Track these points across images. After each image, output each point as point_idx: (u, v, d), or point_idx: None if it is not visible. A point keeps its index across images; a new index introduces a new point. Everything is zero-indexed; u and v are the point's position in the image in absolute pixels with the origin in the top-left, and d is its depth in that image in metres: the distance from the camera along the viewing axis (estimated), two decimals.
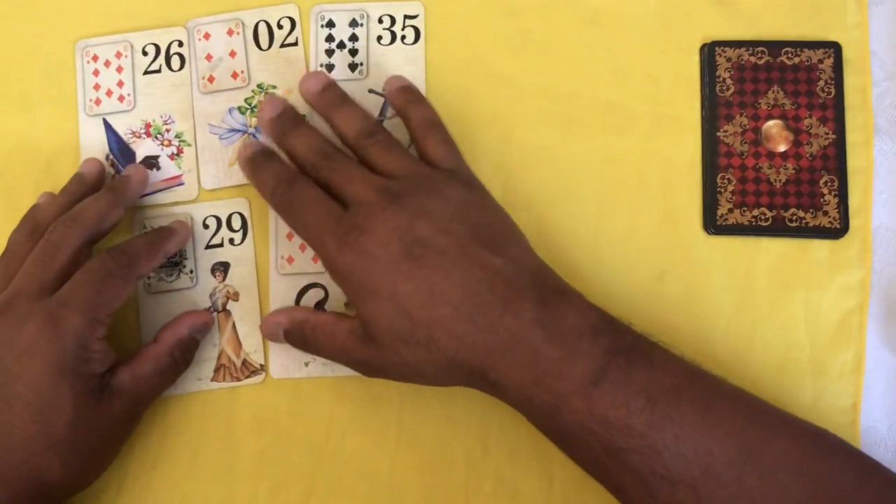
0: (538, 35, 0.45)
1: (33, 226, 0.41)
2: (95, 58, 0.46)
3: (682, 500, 0.33)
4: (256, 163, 0.41)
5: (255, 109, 0.45)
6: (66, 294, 0.37)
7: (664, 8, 0.44)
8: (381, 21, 0.45)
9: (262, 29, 0.46)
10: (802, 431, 0.35)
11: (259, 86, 0.45)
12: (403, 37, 0.45)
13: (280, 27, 0.46)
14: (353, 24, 0.45)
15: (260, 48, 0.45)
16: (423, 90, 0.44)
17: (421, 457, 0.41)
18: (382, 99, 0.44)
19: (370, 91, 0.45)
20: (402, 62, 0.45)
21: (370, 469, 0.42)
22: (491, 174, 0.43)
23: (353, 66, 0.45)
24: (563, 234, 0.43)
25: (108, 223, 0.41)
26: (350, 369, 0.39)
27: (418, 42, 0.45)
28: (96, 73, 0.46)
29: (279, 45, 0.45)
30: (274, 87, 0.45)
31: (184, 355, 0.41)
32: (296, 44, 0.45)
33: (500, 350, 0.35)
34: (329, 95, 0.42)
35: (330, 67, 0.45)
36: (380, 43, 0.45)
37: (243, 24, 0.46)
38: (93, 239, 0.40)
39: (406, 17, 0.45)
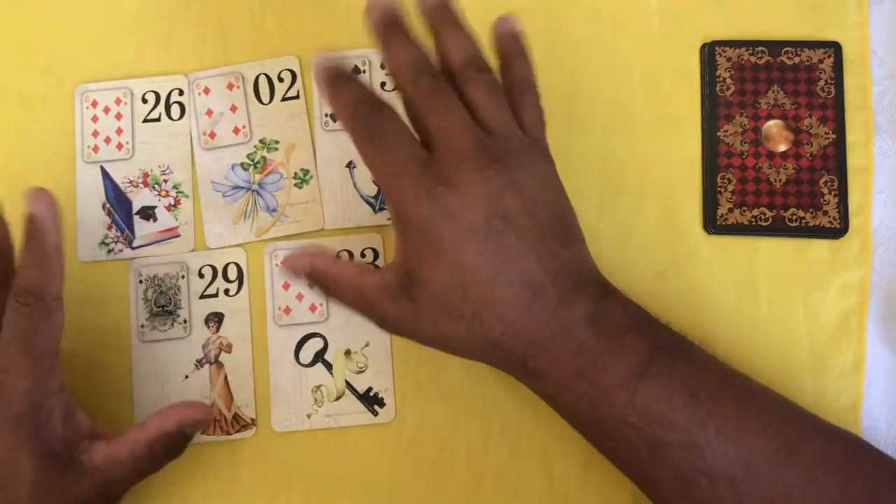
0: (539, 34, 0.44)
1: None
2: (95, 103, 0.45)
3: (720, 496, 0.33)
4: (338, 79, 0.36)
5: (258, 165, 0.44)
6: (2, 360, 0.35)
7: (665, 7, 0.44)
8: (383, 67, 0.45)
9: (263, 82, 0.45)
10: (834, 431, 0.35)
11: (261, 141, 0.45)
12: None
13: (281, 80, 0.45)
14: (356, 71, 0.45)
15: (261, 102, 0.45)
16: None
17: (421, 456, 0.41)
18: None
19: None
20: None
21: (371, 468, 0.42)
22: None
23: None
24: None
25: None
26: (353, 420, 0.39)
27: None
28: (95, 119, 0.45)
29: (280, 98, 0.45)
30: (276, 141, 0.45)
31: (165, 449, 0.37)
32: (297, 97, 0.45)
33: (547, 340, 0.34)
34: (445, 13, 0.38)
35: (335, 117, 0.44)
36: (384, 89, 0.45)
37: (243, 77, 0.45)
38: (3, 275, 0.38)
39: None
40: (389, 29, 0.37)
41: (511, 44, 0.39)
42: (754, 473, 0.32)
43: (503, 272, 0.34)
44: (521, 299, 0.34)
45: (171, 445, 0.38)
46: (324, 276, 0.37)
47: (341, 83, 0.36)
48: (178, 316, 0.43)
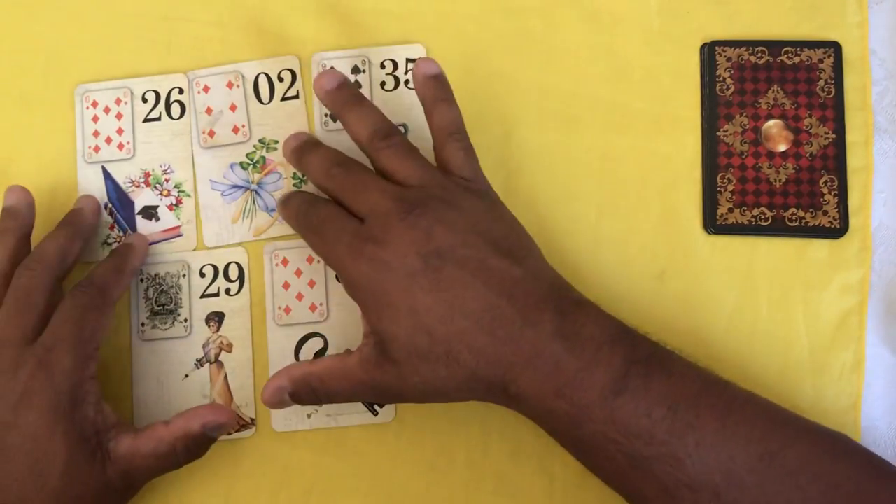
0: (539, 35, 0.45)
1: None
2: (95, 103, 0.45)
3: None
4: (286, 196, 0.41)
5: (257, 165, 0.44)
6: (51, 337, 0.37)
7: (665, 7, 0.44)
8: (383, 66, 0.45)
9: (263, 82, 0.45)
10: (820, 435, 0.35)
11: (261, 140, 0.45)
12: (407, 81, 0.45)
13: (280, 80, 0.45)
14: (356, 70, 0.45)
15: (261, 101, 0.45)
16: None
17: (421, 456, 0.41)
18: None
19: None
20: (407, 107, 0.44)
21: (371, 468, 0.42)
22: (491, 174, 0.43)
23: None
24: (563, 234, 0.43)
25: (71, 258, 0.40)
26: (353, 420, 0.40)
27: None
28: (95, 119, 0.45)
29: (280, 98, 0.45)
30: (276, 141, 0.44)
31: (187, 449, 0.38)
32: (297, 96, 0.45)
33: (521, 362, 0.34)
34: (344, 94, 0.40)
35: (335, 117, 0.44)
36: (383, 89, 0.45)
37: (243, 76, 0.45)
38: (60, 276, 0.40)
39: (408, 60, 0.45)
40: (302, 150, 0.41)
41: (432, 89, 0.40)
42: (736, 483, 0.32)
43: (456, 304, 0.35)
44: (483, 325, 0.34)
45: (192, 446, 0.38)
46: (307, 382, 0.38)
47: (288, 197, 0.41)
48: (179, 315, 0.43)
